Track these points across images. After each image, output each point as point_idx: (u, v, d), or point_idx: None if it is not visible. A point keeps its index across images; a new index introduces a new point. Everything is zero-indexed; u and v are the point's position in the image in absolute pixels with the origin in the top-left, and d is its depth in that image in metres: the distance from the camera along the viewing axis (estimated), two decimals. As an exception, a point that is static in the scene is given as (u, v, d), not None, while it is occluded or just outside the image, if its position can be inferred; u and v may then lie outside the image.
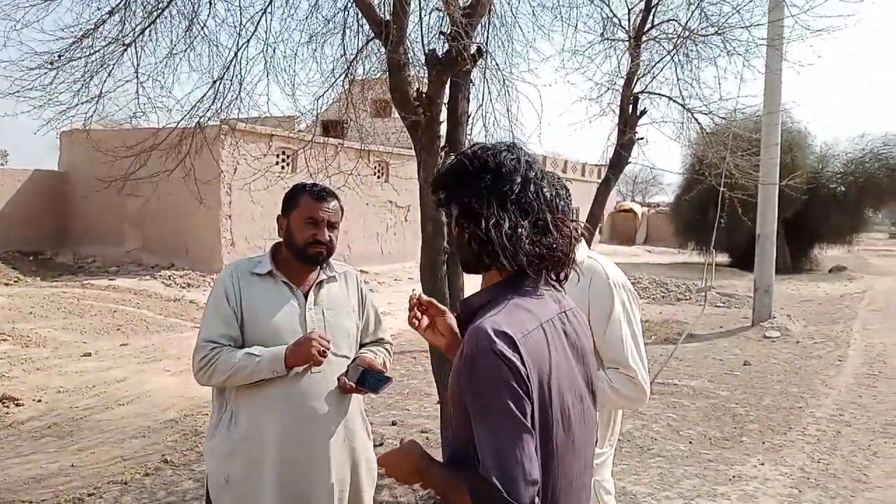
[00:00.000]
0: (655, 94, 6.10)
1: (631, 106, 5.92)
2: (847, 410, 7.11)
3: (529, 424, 1.45)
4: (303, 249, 2.57)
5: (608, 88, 6.27)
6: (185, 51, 4.46)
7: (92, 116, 4.47)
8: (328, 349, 2.43)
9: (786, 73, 10.28)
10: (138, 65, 4.36)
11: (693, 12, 5.97)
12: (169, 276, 15.45)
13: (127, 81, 4.36)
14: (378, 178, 20.38)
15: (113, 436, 6.09)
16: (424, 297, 1.92)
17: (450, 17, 4.51)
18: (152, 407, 7.02)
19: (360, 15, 4.75)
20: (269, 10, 4.43)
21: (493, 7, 5.28)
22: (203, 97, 4.59)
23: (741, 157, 7.44)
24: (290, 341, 2.47)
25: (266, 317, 2.51)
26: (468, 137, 4.97)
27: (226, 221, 16.55)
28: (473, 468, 1.46)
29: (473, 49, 4.58)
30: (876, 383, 8.31)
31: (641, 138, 6.13)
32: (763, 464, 5.47)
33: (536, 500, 1.44)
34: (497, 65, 5.44)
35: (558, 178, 1.92)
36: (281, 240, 2.66)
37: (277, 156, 17.82)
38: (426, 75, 4.67)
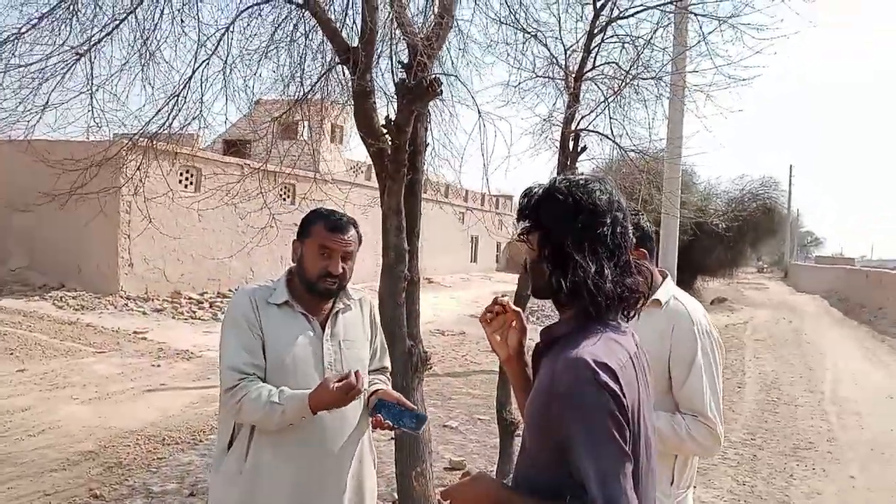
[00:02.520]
0: (594, 132, 6.34)
1: (572, 143, 6.13)
2: (757, 435, 7.56)
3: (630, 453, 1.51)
4: (314, 282, 2.46)
5: (550, 124, 6.47)
6: (142, 66, 4.29)
7: (35, 125, 4.21)
8: (359, 388, 2.27)
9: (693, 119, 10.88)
10: (92, 75, 4.14)
11: (632, 57, 6.27)
12: (60, 297, 14.54)
13: (81, 93, 4.13)
14: (284, 200, 20.03)
15: (29, 469, 5.65)
16: (512, 306, 1.89)
17: (410, 47, 4.57)
18: (65, 438, 6.56)
19: (323, 39, 4.73)
20: (230, 28, 4.33)
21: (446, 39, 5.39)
22: (157, 112, 4.42)
23: (658, 191, 7.86)
24: (308, 374, 2.40)
25: (285, 349, 2.41)
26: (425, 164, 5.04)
27: (125, 241, 15.78)
28: (560, 497, 1.50)
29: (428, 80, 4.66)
30: (776, 409, 8.90)
31: (581, 174, 6.31)
32: (695, 487, 5.72)
33: None
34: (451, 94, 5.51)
35: (629, 212, 1.97)
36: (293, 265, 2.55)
37: (181, 174, 17.24)
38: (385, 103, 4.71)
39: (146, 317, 14.80)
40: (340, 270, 2.47)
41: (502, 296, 1.95)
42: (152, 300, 16.13)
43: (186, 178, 17.78)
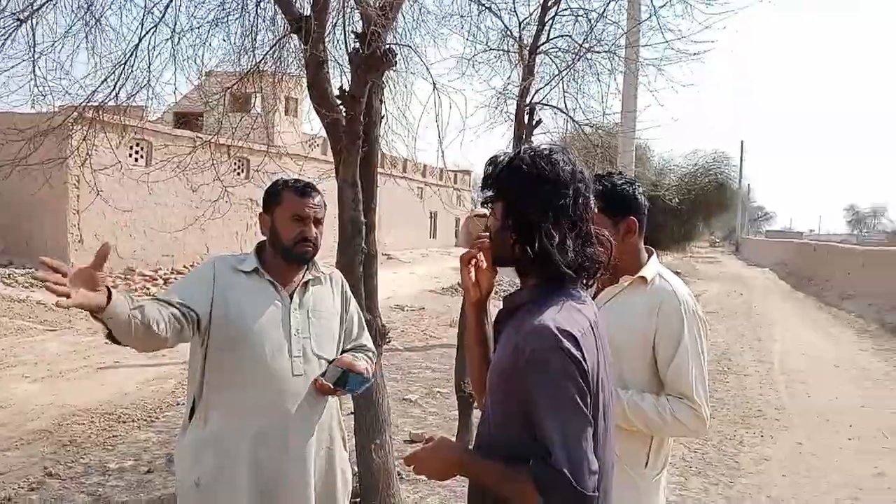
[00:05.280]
0: (548, 105, 6.36)
1: (527, 116, 6.14)
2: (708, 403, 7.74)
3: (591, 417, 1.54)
4: (290, 248, 2.47)
5: (505, 98, 6.46)
6: (86, 33, 4.14)
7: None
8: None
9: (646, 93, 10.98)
10: (34, 42, 3.99)
11: (585, 31, 6.30)
12: (9, 275, 14.12)
13: (22, 61, 3.97)
14: (238, 174, 19.70)
15: (-21, 450, 5.54)
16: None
17: (364, 17, 4.51)
18: (17, 416, 6.43)
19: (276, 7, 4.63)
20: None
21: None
22: (103, 82, 4.28)
23: (612, 166, 7.94)
24: (274, 339, 2.40)
25: (251, 316, 2.40)
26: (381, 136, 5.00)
27: (73, 216, 15.38)
28: (524, 460, 1.52)
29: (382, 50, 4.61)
30: (727, 379, 9.14)
31: (544, 145, 6.33)
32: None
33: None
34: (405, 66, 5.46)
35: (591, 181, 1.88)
36: (265, 238, 2.55)
37: (131, 147, 16.84)
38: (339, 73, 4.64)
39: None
40: (314, 234, 2.51)
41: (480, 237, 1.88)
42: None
43: (136, 152, 17.36)
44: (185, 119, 17.54)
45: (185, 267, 17.95)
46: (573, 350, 1.52)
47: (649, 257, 2.44)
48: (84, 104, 4.42)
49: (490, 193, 1.72)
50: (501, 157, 1.71)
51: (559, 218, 1.62)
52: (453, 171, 39.25)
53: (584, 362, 1.53)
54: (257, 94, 5.44)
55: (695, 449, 6.07)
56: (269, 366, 2.40)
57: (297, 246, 2.48)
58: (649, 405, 2.25)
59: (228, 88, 5.03)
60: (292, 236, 2.47)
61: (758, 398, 8.20)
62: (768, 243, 47.51)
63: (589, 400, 1.54)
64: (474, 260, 1.85)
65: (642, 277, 2.36)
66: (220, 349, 2.39)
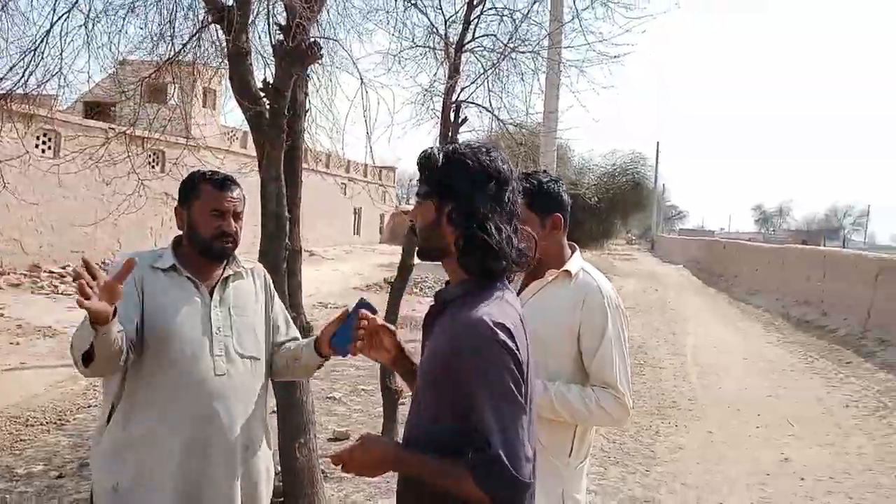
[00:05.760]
0: (474, 104, 6.41)
1: (453, 114, 6.17)
2: (625, 396, 7.99)
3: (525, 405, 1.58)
4: (209, 244, 2.38)
5: (431, 95, 6.47)
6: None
7: None
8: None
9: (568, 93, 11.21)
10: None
11: (510, 31, 6.39)
12: None
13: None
14: (153, 167, 19.05)
15: None
16: (377, 321, 1.97)
17: (288, 8, 4.44)
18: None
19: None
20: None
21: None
22: (11, 69, 4.07)
23: (535, 164, 8.08)
24: (195, 339, 2.32)
25: (170, 314, 2.32)
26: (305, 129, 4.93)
27: (-27, 210, 14.58)
28: (460, 452, 1.54)
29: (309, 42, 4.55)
30: (643, 371, 9.44)
31: (473, 142, 6.39)
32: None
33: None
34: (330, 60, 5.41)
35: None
36: (181, 233, 2.45)
37: (38, 138, 16.07)
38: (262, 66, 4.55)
39: (1, 292, 13.78)
40: (234, 229, 2.43)
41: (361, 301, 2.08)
42: (8, 274, 15.01)
43: (44, 142, 16.58)
44: (97, 109, 16.83)
45: (96, 263, 17.22)
46: (508, 342, 1.56)
47: (573, 253, 2.51)
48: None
49: (427, 188, 1.72)
50: (436, 152, 1.72)
51: (499, 212, 1.65)
52: (378, 166, 39.06)
53: (518, 353, 1.58)
54: (175, 85, 5.25)
55: (613, 439, 6.25)
56: (191, 366, 2.32)
57: (216, 241, 2.40)
58: (575, 396, 2.32)
59: (146, 78, 4.86)
60: (211, 231, 2.39)
61: (672, 390, 8.51)
62: (682, 241, 49.23)
63: (523, 389, 1.59)
64: (362, 332, 2.01)
65: (567, 272, 2.42)
66: (140, 350, 2.30)
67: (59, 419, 6.43)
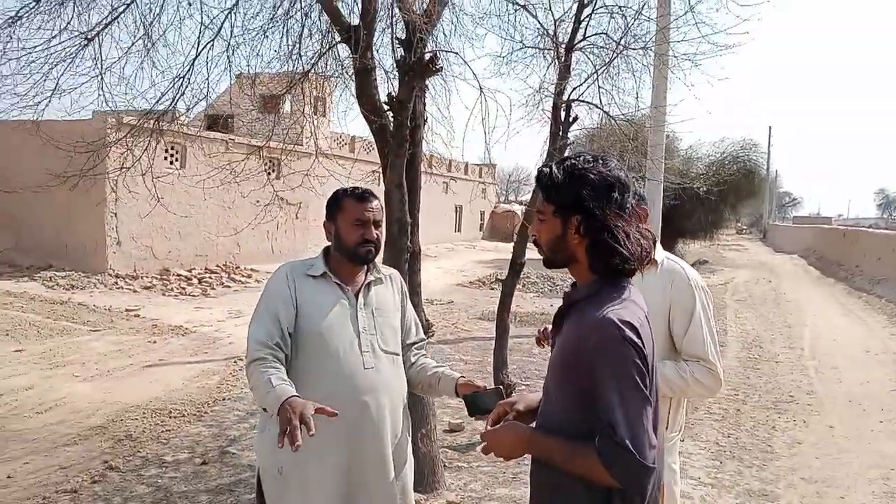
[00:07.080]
0: (584, 102, 6.52)
1: (564, 113, 6.30)
2: (740, 390, 7.89)
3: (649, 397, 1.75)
4: (354, 250, 2.70)
5: (541, 95, 6.63)
6: (147, 49, 4.39)
7: (45, 108, 4.33)
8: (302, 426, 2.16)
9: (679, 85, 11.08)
10: (102, 59, 4.25)
11: (622, 28, 6.45)
12: (50, 278, 14.53)
13: (92, 77, 4.24)
14: (269, 175, 19.97)
15: (41, 445, 5.82)
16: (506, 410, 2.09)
17: (407, 24, 4.69)
18: (72, 414, 6.73)
19: (322, 17, 4.83)
20: (234, 9, 4.43)
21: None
22: (163, 95, 4.54)
23: (644, 157, 8.07)
24: (343, 336, 2.62)
25: (320, 316, 2.63)
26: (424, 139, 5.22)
27: (111, 219, 15.77)
28: (589, 437, 1.73)
29: (428, 56, 4.81)
30: (758, 366, 9.25)
31: (572, 143, 6.56)
32: (682, 440, 6.03)
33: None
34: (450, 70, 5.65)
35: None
36: (329, 244, 2.79)
37: (166, 150, 17.20)
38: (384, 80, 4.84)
39: (137, 294, 14.86)
40: (375, 235, 2.74)
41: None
42: (141, 278, 16.18)
43: (172, 155, 17.74)
44: (217, 121, 17.86)
45: (217, 266, 18.32)
46: (634, 338, 1.73)
47: (655, 242, 2.74)
48: (144, 117, 4.66)
49: (552, 206, 1.88)
50: (557, 169, 1.88)
51: (625, 217, 1.83)
52: (478, 164, 39.35)
53: (643, 348, 1.75)
54: (302, 98, 5.64)
55: (728, 434, 6.23)
56: (343, 361, 2.63)
57: (360, 247, 2.71)
58: (671, 370, 2.60)
59: (284, 92, 5.26)
60: (355, 239, 2.70)
61: (789, 384, 8.32)
62: (795, 229, 46.99)
63: (647, 382, 1.75)
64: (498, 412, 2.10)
65: (653, 260, 2.68)
66: (297, 348, 2.62)
67: (199, 411, 6.96)
